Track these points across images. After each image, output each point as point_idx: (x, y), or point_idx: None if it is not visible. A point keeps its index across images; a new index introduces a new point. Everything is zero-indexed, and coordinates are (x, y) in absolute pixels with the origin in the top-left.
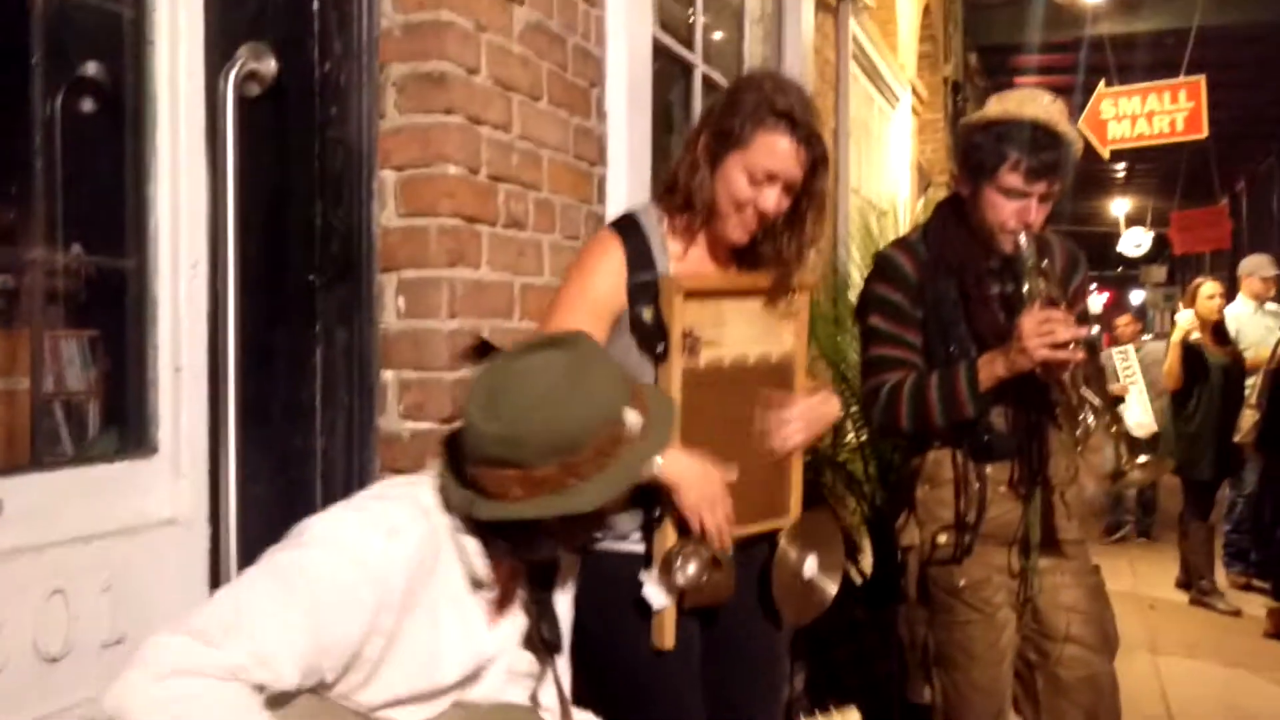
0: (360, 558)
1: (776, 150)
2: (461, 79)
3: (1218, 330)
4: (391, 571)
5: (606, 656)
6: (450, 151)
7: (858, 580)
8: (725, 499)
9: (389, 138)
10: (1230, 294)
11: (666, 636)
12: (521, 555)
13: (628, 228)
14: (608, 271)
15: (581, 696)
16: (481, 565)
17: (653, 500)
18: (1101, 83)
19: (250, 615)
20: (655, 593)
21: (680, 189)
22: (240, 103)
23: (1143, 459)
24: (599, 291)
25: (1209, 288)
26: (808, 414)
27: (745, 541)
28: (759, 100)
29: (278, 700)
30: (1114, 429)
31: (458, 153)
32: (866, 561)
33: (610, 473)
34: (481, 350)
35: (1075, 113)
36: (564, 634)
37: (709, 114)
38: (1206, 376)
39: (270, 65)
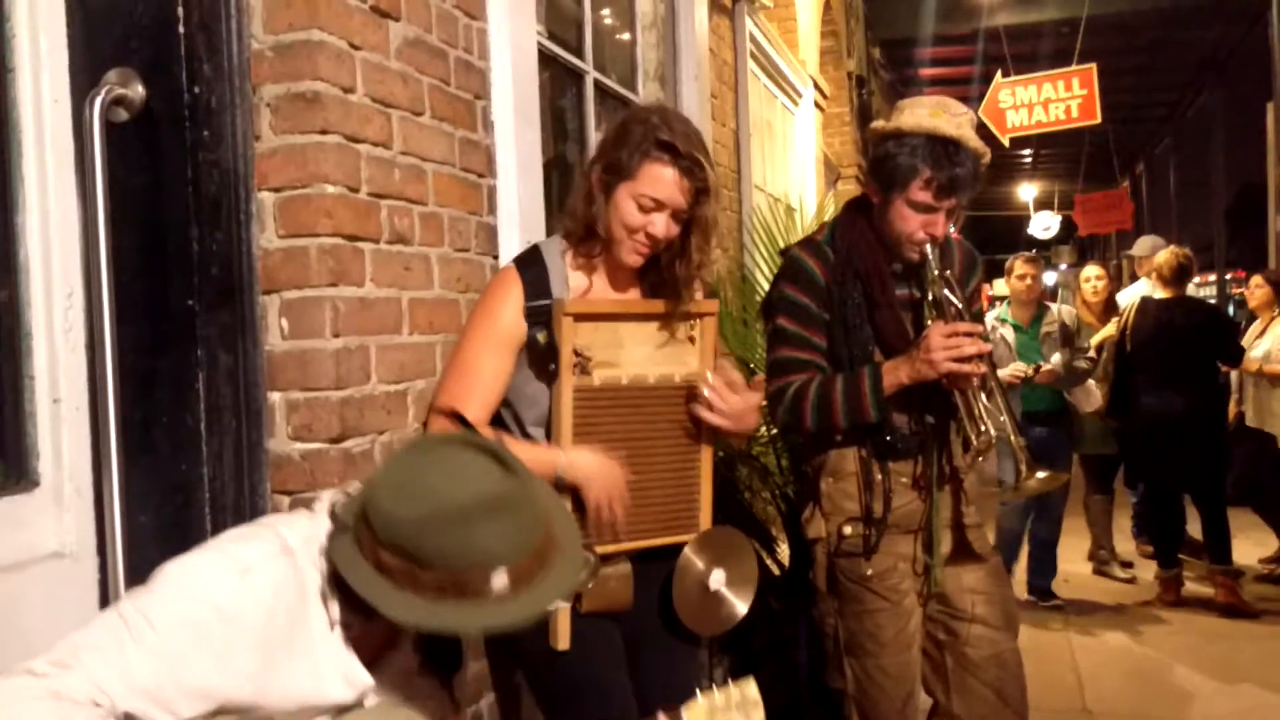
0: (210, 598)
1: (661, 180)
2: (336, 98)
3: (1108, 309)
4: (245, 611)
5: (521, 660)
6: (328, 171)
7: (775, 571)
8: (624, 491)
9: (265, 159)
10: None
11: (561, 638)
12: (353, 611)
13: (527, 261)
14: (507, 304)
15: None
16: (337, 609)
17: None
18: (999, 73)
19: (87, 651)
20: None
21: (580, 219)
22: (108, 128)
23: (1041, 473)
24: (501, 324)
25: (1087, 271)
26: (738, 405)
27: (654, 553)
28: (645, 133)
29: None
30: (1013, 440)
31: (335, 172)
32: (783, 553)
33: (439, 609)
34: (460, 420)
35: (975, 102)
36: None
37: (601, 147)
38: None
39: (138, 90)
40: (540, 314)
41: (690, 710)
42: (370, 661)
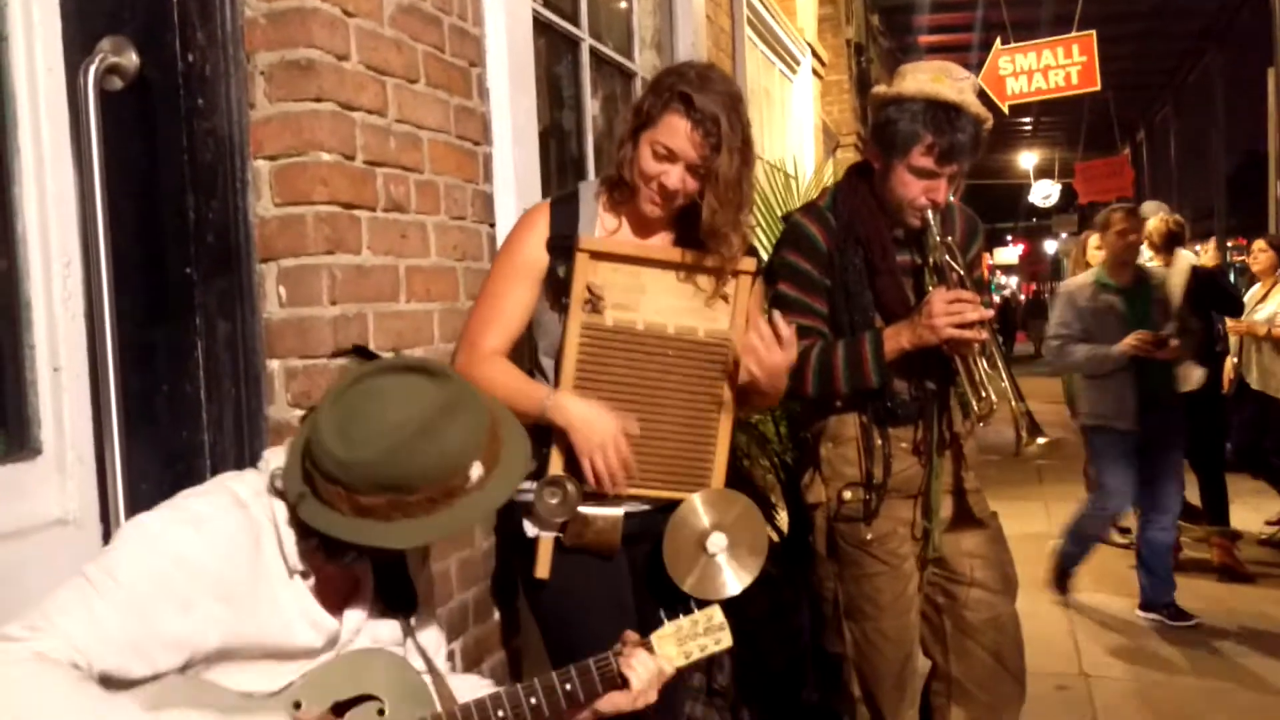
0: (169, 550)
1: (674, 130)
2: (331, 65)
3: None
4: (202, 559)
5: (520, 589)
6: (323, 138)
7: (774, 538)
8: (620, 444)
9: (260, 127)
10: None
11: (541, 566)
12: (329, 557)
13: (562, 198)
14: (532, 235)
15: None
16: (295, 557)
17: (540, 443)
18: (998, 40)
19: (58, 614)
20: (527, 524)
21: (615, 164)
22: (102, 97)
23: (1041, 439)
24: (523, 255)
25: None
26: (780, 360)
27: (661, 506)
28: (672, 84)
29: (136, 682)
30: (1013, 405)
31: (330, 139)
32: (782, 519)
33: (436, 519)
34: (360, 353)
35: (975, 69)
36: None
37: (639, 97)
38: None
39: (131, 58)
40: (563, 249)
41: (659, 635)
42: (336, 609)
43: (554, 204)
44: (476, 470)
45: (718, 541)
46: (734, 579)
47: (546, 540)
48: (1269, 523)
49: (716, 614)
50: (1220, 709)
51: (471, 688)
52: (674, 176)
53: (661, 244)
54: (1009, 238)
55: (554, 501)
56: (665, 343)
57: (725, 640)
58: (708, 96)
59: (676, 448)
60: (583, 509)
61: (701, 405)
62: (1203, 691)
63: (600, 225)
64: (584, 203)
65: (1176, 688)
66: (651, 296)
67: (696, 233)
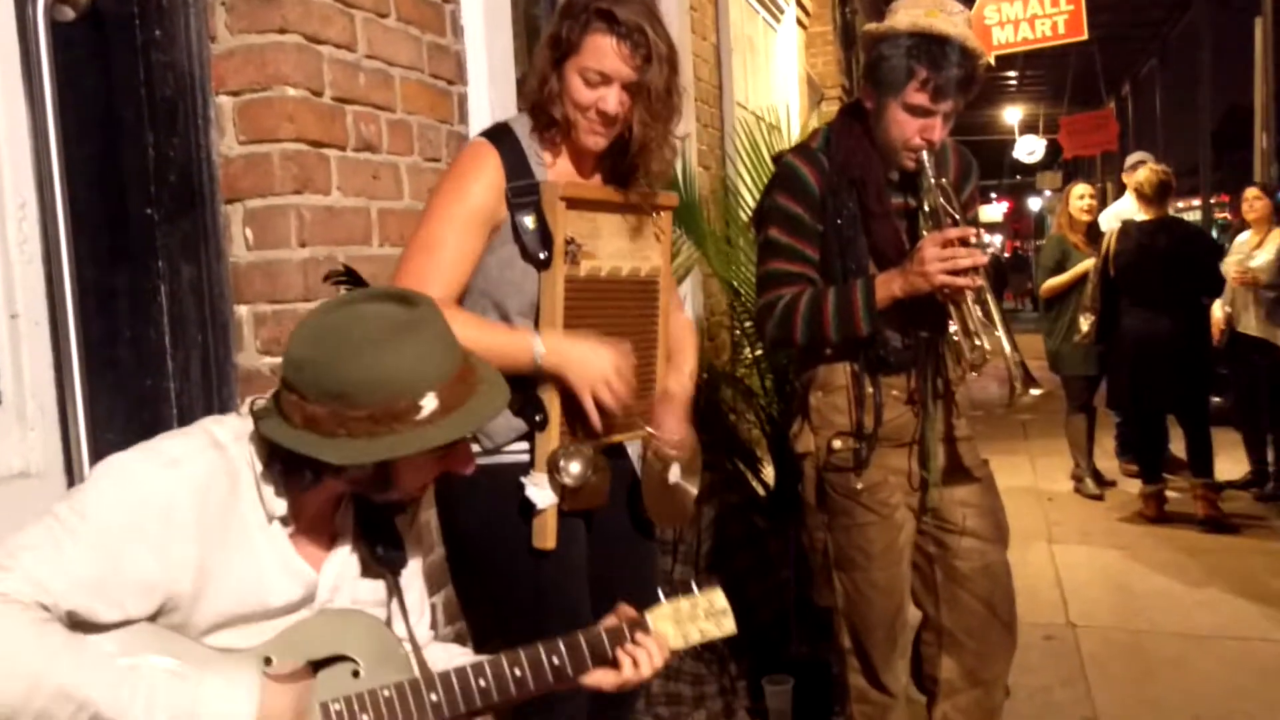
0: (140, 490)
1: (602, 51)
2: None
3: (1090, 231)
4: (175, 500)
5: (494, 562)
6: (288, 72)
7: (760, 492)
8: (620, 373)
9: (222, 61)
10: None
11: (549, 537)
12: (287, 476)
13: (502, 135)
14: (484, 178)
15: (470, 603)
16: (274, 500)
17: (534, 407)
18: None
19: (24, 552)
20: (539, 494)
21: (539, 103)
22: (54, 29)
23: (1035, 390)
24: (476, 199)
25: (1079, 189)
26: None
27: (612, 449)
28: (586, 4)
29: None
30: (1007, 354)
31: (296, 73)
32: (768, 473)
33: (374, 443)
34: (348, 277)
35: None
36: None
37: (549, 26)
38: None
39: None
40: (527, 197)
41: (654, 614)
42: (314, 564)
43: (495, 143)
44: (430, 403)
45: (674, 472)
46: (691, 490)
47: (553, 509)
48: (1233, 483)
49: (719, 598)
50: (1205, 657)
51: (450, 657)
52: (611, 100)
53: (598, 182)
54: (993, 195)
55: (578, 469)
56: (619, 286)
57: (729, 625)
58: (626, 8)
59: (637, 389)
60: None
61: (647, 344)
62: (1188, 640)
63: (544, 166)
64: (525, 142)
65: (1162, 637)
66: (605, 240)
67: (615, 162)
